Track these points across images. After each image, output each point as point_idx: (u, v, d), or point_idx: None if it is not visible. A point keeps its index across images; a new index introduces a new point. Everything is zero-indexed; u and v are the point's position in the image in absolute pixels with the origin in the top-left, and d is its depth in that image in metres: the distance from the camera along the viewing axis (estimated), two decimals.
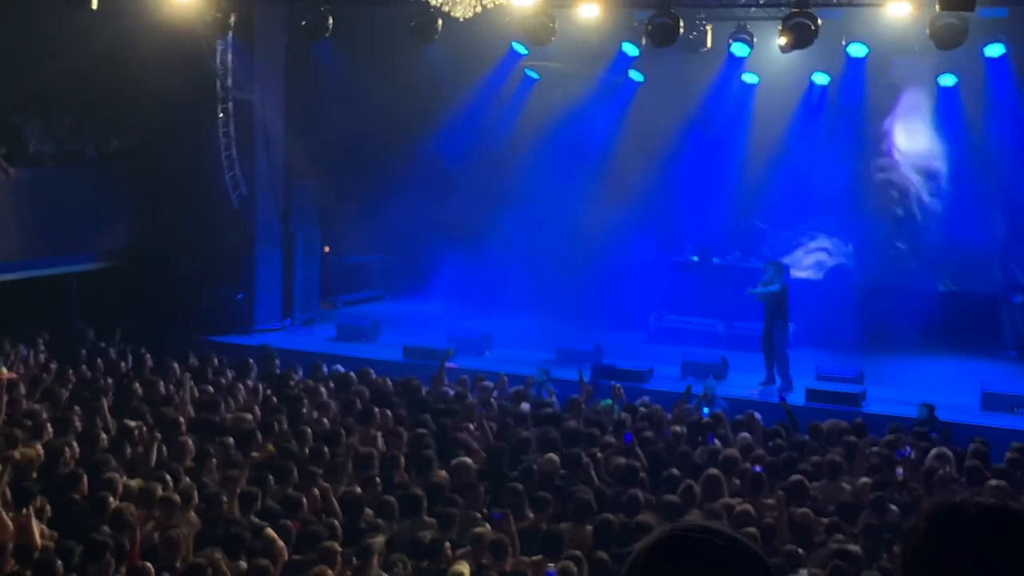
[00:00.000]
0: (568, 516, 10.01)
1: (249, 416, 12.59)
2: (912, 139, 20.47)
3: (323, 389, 14.24)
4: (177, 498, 9.37)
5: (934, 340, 18.82)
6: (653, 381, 16.97)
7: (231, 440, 11.51)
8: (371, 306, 22.96)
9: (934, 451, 11.83)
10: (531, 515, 10.09)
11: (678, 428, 12.89)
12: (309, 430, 11.99)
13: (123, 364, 15.69)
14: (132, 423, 11.83)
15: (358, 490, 10.07)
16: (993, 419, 15.29)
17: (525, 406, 13.72)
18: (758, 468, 11.19)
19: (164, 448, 11.03)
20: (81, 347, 16.62)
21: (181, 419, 12.11)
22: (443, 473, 10.90)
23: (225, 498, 9.49)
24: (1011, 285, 19.63)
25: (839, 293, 20.09)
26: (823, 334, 19.15)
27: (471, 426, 12.59)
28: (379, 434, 12.14)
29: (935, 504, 2.60)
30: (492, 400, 14.12)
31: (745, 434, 12.80)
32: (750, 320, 18.67)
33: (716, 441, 12.46)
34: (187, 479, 10.06)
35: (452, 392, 14.55)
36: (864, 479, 11.06)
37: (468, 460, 11.05)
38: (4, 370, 12.44)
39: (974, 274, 20.60)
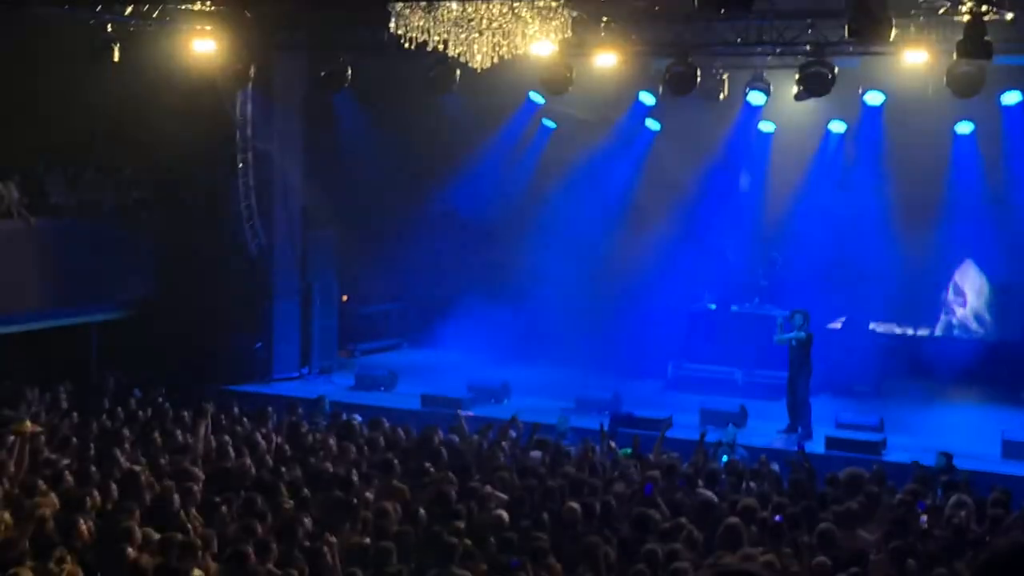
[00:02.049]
0: (587, 566, 9.93)
1: (251, 464, 12.54)
2: None
3: (333, 439, 14.20)
4: (198, 543, 9.33)
5: (955, 388, 18.69)
6: (672, 429, 16.87)
7: (250, 490, 11.47)
8: (389, 355, 22.98)
9: (953, 499, 11.75)
10: (552, 564, 10.00)
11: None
12: (328, 479, 11.96)
13: (142, 413, 15.69)
14: (138, 468, 11.84)
15: (377, 541, 10.01)
16: (1014, 467, 15.18)
17: (537, 454, 13.66)
18: (779, 517, 11.11)
19: (179, 498, 10.99)
20: (101, 397, 16.64)
21: (197, 469, 12.09)
22: (461, 524, 10.82)
23: (245, 549, 9.44)
24: None
25: (858, 341, 20.02)
26: (843, 382, 19.08)
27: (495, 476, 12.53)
28: (400, 485, 12.09)
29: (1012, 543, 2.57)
30: (506, 446, 14.06)
31: (753, 484, 12.72)
32: (769, 368, 18.65)
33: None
34: (203, 528, 10.03)
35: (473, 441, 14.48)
36: (884, 528, 10.96)
37: (496, 512, 10.99)
38: (28, 424, 12.47)
39: (996, 320, 20.55)
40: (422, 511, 10.86)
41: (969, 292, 20.75)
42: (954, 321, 20.85)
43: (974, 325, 20.73)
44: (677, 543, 10.17)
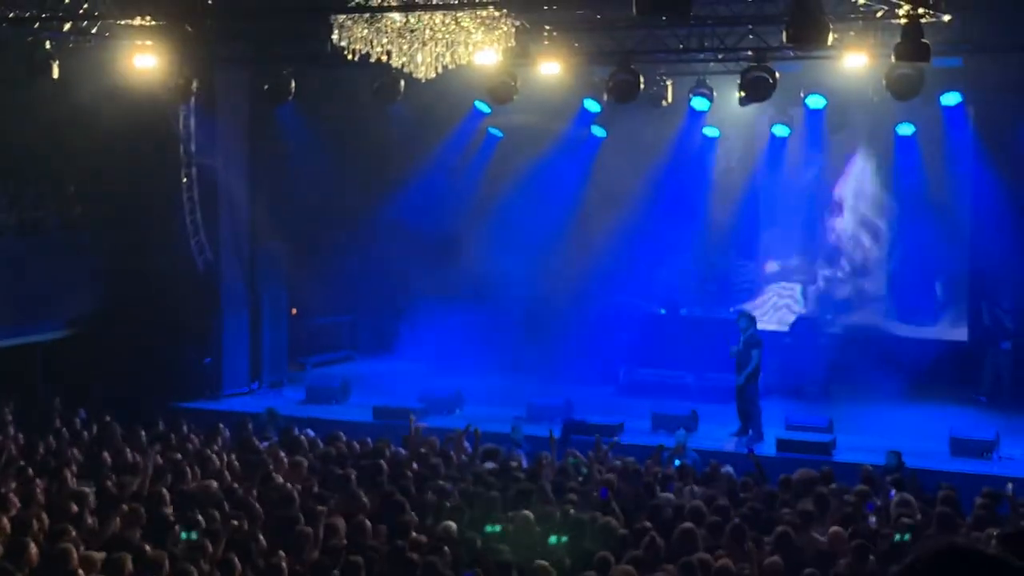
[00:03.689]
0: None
1: (215, 484, 12.45)
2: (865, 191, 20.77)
3: (284, 453, 14.12)
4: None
5: (903, 387, 18.86)
6: (624, 435, 16.95)
7: (200, 509, 11.37)
8: (340, 367, 22.85)
9: (897, 498, 11.87)
10: None
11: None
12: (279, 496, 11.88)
13: (87, 433, 15.52)
14: (87, 490, 11.73)
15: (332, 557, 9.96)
16: (962, 465, 15.36)
17: (490, 464, 13.65)
18: (736, 520, 11.17)
19: (127, 519, 10.88)
20: (48, 417, 16.44)
21: (147, 488, 11.99)
22: (420, 537, 10.79)
23: (195, 568, 9.35)
24: (998, 331, 19.72)
25: (807, 343, 20.17)
26: (792, 384, 19.22)
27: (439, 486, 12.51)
28: (351, 498, 12.04)
29: (936, 546, 2.58)
30: (453, 456, 14.06)
31: (699, 488, 12.78)
32: (720, 371, 18.72)
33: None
34: (154, 550, 9.91)
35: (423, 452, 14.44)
36: (836, 528, 11.04)
37: (445, 523, 10.96)
38: None
39: (939, 320, 20.77)
40: (368, 524, 10.83)
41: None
42: None
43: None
44: (638, 549, 10.20)
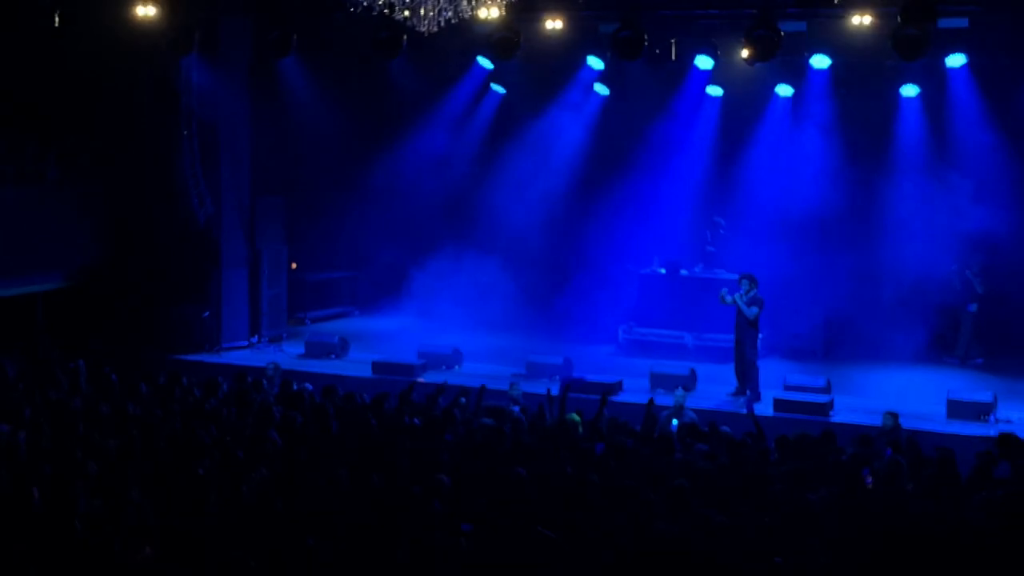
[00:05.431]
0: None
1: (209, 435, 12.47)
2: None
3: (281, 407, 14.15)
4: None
5: (901, 349, 18.88)
6: (623, 394, 16.98)
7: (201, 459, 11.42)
8: (339, 322, 22.92)
9: (886, 460, 11.89)
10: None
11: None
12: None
13: (87, 385, 15.53)
14: (102, 440, 11.78)
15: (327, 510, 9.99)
16: (959, 427, 15.40)
17: (488, 421, 13.67)
18: (734, 480, 11.20)
19: (129, 468, 10.92)
20: (48, 367, 16.46)
21: (147, 438, 12.02)
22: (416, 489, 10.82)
23: (189, 523, 9.39)
24: (968, 294, 19.81)
25: (806, 304, 20.14)
26: (790, 344, 19.23)
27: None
28: (341, 452, 12.07)
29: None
30: (458, 412, 14.08)
31: (703, 445, 12.79)
32: (719, 331, 18.74)
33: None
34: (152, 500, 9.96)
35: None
36: (832, 489, 11.06)
37: (441, 477, 10.98)
38: None
39: (939, 283, 20.74)
40: (366, 478, 10.86)
41: None
42: None
43: None
44: (627, 508, 10.23)
